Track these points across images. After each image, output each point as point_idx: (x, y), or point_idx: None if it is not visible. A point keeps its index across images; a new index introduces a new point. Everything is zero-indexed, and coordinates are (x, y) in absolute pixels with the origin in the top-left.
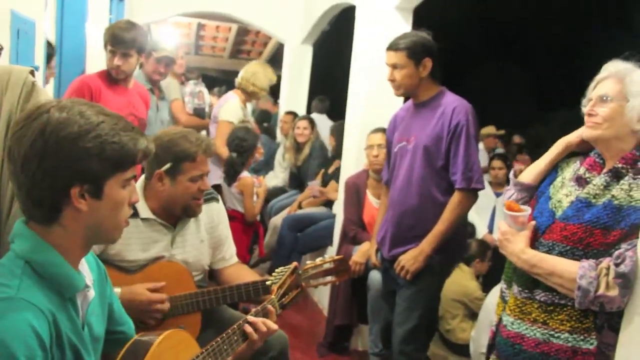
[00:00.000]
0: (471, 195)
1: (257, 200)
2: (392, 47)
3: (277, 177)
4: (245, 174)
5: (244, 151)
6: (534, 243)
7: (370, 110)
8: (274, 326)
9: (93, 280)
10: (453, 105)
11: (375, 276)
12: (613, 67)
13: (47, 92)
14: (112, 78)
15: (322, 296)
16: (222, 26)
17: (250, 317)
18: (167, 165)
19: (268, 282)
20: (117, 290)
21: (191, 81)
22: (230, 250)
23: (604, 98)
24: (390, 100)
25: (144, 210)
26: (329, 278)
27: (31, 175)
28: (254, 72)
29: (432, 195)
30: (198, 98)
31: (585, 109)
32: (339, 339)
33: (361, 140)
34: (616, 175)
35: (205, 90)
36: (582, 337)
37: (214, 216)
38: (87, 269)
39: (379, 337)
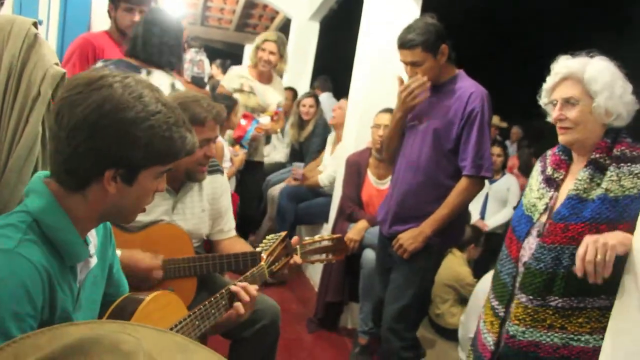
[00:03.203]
0: (478, 182)
1: (229, 167)
2: (406, 44)
3: (278, 152)
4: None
5: None
6: (519, 251)
7: (373, 89)
8: (253, 292)
9: (98, 244)
10: (469, 90)
11: (369, 255)
12: (564, 68)
13: (50, 46)
14: (117, 38)
15: (314, 272)
16: None
17: (237, 283)
18: None
19: (258, 249)
20: (118, 252)
21: (192, 49)
22: (229, 223)
23: (570, 101)
24: (392, 81)
25: None
26: (325, 256)
27: (74, 146)
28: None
29: (437, 178)
30: (198, 67)
31: (551, 113)
32: (329, 316)
33: (363, 119)
34: (597, 166)
35: (206, 60)
36: (602, 337)
37: (217, 188)
38: (93, 233)
39: (369, 316)
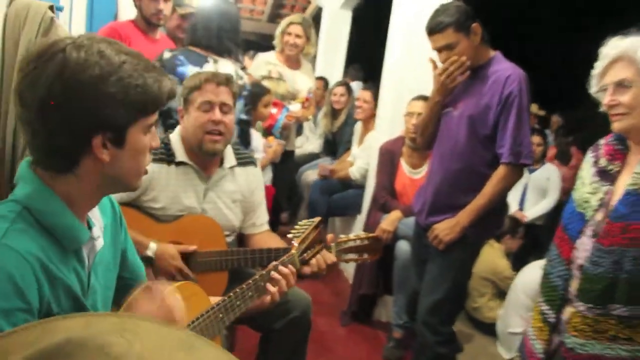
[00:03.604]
0: (517, 170)
1: (261, 158)
2: (435, 29)
3: (311, 143)
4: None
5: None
6: (572, 252)
7: (405, 77)
8: (285, 284)
9: (104, 225)
10: (506, 73)
11: (402, 246)
12: (614, 49)
13: (66, 30)
14: (143, 27)
15: (348, 264)
16: None
17: (272, 273)
18: (182, 99)
19: (289, 235)
20: (154, 245)
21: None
22: (262, 217)
23: (624, 84)
24: (425, 68)
25: (181, 154)
26: (360, 255)
27: (48, 122)
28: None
29: (474, 166)
30: None
31: (603, 100)
32: (363, 309)
33: (395, 107)
34: None
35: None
36: None
37: (251, 180)
38: (97, 215)
39: (403, 309)
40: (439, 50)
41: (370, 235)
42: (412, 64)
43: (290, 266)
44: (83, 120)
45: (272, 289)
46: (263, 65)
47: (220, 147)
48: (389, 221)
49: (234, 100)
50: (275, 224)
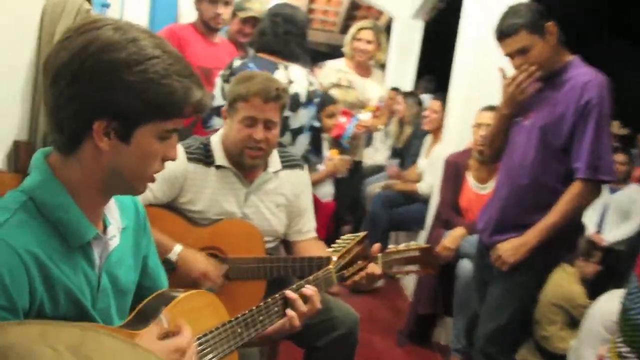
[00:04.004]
0: (594, 187)
1: (318, 171)
2: (507, 32)
3: (381, 154)
4: None
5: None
6: None
7: (474, 86)
8: (314, 301)
9: (125, 227)
10: (584, 78)
11: (465, 265)
12: None
13: None
14: (203, 30)
15: (408, 281)
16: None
17: (288, 292)
18: (227, 103)
19: (329, 250)
20: (178, 248)
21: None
22: (308, 224)
23: None
24: (495, 78)
25: (220, 158)
26: (411, 267)
27: (58, 94)
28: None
29: (545, 181)
30: None
31: None
32: (421, 329)
33: (464, 118)
34: None
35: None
36: None
37: (297, 184)
38: (116, 215)
39: (462, 332)
40: (512, 55)
41: (422, 246)
42: (482, 74)
43: (311, 288)
44: (91, 99)
45: (290, 313)
46: (332, 72)
47: (260, 161)
48: (452, 238)
49: (282, 112)
50: (335, 239)
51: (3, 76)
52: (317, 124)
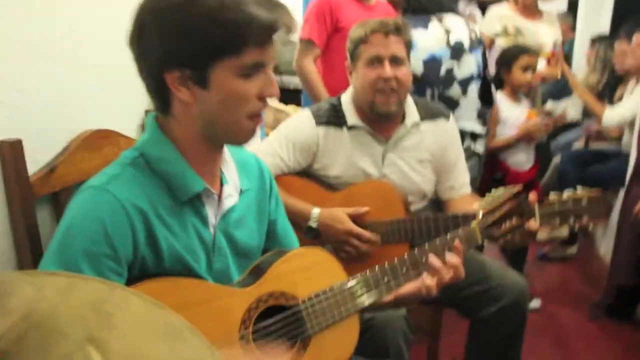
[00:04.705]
0: None
1: (506, 134)
2: None
3: (571, 107)
4: (495, 96)
5: (498, 67)
6: None
7: None
8: (454, 260)
9: (247, 189)
10: None
11: None
12: None
13: None
14: None
15: (607, 245)
16: None
17: (432, 259)
18: (348, 57)
19: (475, 205)
20: (317, 211)
21: (461, 1)
22: (461, 178)
23: None
24: None
25: (352, 117)
26: (575, 220)
27: (134, 54)
28: None
29: None
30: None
31: None
32: (622, 303)
33: None
34: None
35: (478, 14)
36: None
37: (441, 135)
38: (234, 176)
39: None
40: None
41: (592, 194)
42: None
43: (456, 257)
44: (153, 52)
45: (429, 281)
46: (495, 20)
47: (394, 107)
48: None
49: (407, 50)
50: None
51: None
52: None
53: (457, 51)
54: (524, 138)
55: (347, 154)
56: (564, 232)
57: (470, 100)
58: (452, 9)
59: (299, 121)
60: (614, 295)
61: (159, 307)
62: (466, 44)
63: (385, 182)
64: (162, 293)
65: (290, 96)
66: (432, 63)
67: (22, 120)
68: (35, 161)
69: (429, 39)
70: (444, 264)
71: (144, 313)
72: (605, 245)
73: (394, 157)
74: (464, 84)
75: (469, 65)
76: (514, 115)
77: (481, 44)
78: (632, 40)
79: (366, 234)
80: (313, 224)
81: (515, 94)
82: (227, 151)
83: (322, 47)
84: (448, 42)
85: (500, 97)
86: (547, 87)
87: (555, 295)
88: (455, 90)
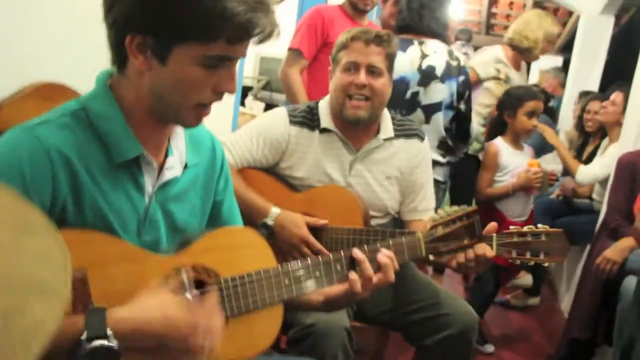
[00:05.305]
0: None
1: (505, 182)
2: None
3: (555, 163)
4: (495, 141)
5: (500, 109)
6: None
7: None
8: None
9: (193, 164)
10: None
11: (631, 284)
12: None
13: None
14: (350, 12)
15: (569, 299)
16: (517, 2)
17: (355, 251)
18: (331, 59)
19: (426, 218)
20: (276, 210)
21: (458, 41)
22: (425, 202)
23: None
24: None
25: (326, 120)
26: (532, 255)
27: (104, 4)
28: (526, 21)
29: None
30: None
31: None
32: (575, 357)
33: None
34: None
35: (471, 55)
36: None
37: (413, 155)
38: (182, 148)
39: None
40: None
41: (551, 230)
42: None
43: (387, 253)
44: (124, 9)
45: (353, 276)
46: (492, 63)
47: (364, 114)
48: (617, 250)
49: (388, 63)
50: (533, 270)
51: None
52: (462, 106)
53: (426, 77)
54: (523, 188)
55: (316, 157)
56: (528, 280)
57: (433, 129)
58: (440, 34)
59: (274, 117)
60: (568, 348)
61: (24, 204)
62: (439, 71)
63: (347, 190)
64: (74, 243)
65: None
66: (399, 85)
67: None
68: None
69: (404, 61)
70: (369, 260)
71: (4, 204)
72: (567, 300)
73: (361, 169)
74: (428, 111)
75: (438, 93)
76: (514, 163)
77: (462, 74)
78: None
79: (318, 245)
80: (270, 221)
81: (517, 140)
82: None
83: (310, 59)
84: (420, 67)
85: (501, 143)
86: (531, 141)
87: (510, 343)
88: (417, 116)
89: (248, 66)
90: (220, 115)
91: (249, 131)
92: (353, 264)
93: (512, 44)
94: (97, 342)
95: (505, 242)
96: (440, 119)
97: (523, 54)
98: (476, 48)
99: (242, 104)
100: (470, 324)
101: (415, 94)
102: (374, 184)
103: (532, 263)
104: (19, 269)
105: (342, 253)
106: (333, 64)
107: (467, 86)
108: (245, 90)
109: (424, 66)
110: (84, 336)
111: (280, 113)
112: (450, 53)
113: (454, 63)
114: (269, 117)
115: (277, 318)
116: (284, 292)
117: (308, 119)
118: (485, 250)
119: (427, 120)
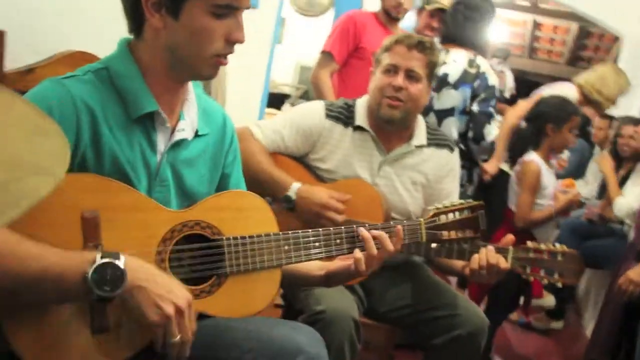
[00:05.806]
0: None
1: (547, 205)
2: None
3: (588, 187)
4: (532, 157)
5: (542, 120)
6: None
7: None
8: (389, 246)
9: (203, 134)
10: None
11: None
12: None
13: None
14: (383, 19)
15: (591, 321)
16: (561, 26)
17: (361, 229)
18: (374, 60)
19: (430, 208)
20: (297, 184)
21: (495, 58)
22: None
23: None
24: None
25: (361, 118)
26: (547, 273)
27: None
28: (602, 76)
29: None
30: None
31: None
32: None
33: None
34: None
35: (508, 73)
36: None
37: (442, 165)
38: (194, 116)
39: None
40: None
41: (568, 250)
42: None
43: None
44: None
45: (358, 254)
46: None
47: (398, 114)
48: None
49: (428, 70)
50: None
51: None
52: (476, 108)
53: (439, 84)
54: (561, 211)
55: (345, 153)
56: (551, 301)
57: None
58: (479, 47)
59: (311, 108)
60: None
61: (39, 112)
62: (452, 79)
63: (372, 187)
64: (91, 186)
65: None
66: None
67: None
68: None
69: None
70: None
71: (20, 112)
72: (592, 326)
73: (390, 171)
74: (440, 115)
75: (450, 99)
76: (551, 183)
77: (478, 79)
78: None
79: (340, 205)
80: (291, 193)
81: (549, 157)
82: (193, 95)
83: (340, 62)
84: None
85: (539, 160)
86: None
87: None
88: (431, 119)
89: (288, 74)
90: (245, 118)
91: (284, 118)
92: (352, 239)
93: (581, 91)
94: (107, 259)
95: (521, 256)
96: (452, 124)
97: (590, 103)
98: (519, 71)
99: (278, 109)
100: (480, 327)
101: (430, 99)
102: (400, 188)
103: (545, 282)
104: (28, 156)
105: (343, 228)
106: (375, 65)
107: (483, 89)
108: (283, 97)
109: (439, 73)
110: (98, 256)
111: (318, 105)
112: (471, 62)
113: (472, 70)
114: (306, 108)
115: (275, 282)
116: (283, 258)
117: (344, 115)
118: (500, 260)
119: (439, 124)
